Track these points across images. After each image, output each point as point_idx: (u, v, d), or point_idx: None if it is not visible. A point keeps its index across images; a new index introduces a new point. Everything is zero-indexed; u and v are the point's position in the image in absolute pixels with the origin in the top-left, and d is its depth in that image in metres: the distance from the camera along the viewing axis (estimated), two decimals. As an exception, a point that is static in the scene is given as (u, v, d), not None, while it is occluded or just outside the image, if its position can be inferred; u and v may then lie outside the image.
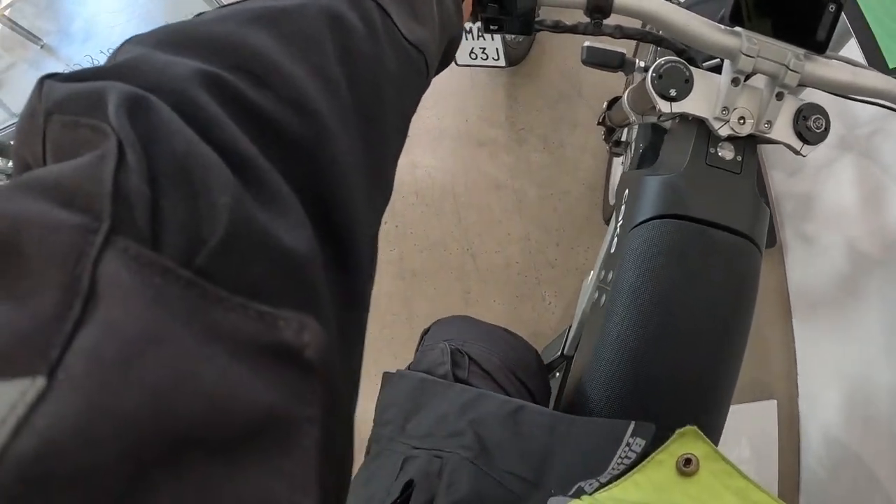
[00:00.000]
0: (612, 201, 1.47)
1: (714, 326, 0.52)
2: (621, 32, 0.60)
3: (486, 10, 0.55)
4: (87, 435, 0.11)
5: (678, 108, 0.55)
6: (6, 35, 2.35)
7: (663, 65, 0.55)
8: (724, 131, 0.55)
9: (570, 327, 0.92)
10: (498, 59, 1.53)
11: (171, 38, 0.20)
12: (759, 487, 0.36)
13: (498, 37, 1.49)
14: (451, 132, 1.75)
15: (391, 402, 0.62)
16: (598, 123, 1.08)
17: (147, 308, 0.13)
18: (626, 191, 0.62)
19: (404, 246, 1.68)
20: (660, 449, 0.37)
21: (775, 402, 1.24)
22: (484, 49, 1.51)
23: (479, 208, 1.67)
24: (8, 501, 0.10)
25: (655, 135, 0.96)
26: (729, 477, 0.36)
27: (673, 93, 0.55)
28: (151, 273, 0.14)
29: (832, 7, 0.52)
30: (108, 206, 0.14)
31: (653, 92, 0.55)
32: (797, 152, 0.56)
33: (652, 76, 0.55)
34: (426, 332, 0.76)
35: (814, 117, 0.55)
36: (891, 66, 0.72)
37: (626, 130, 1.12)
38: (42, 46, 2.36)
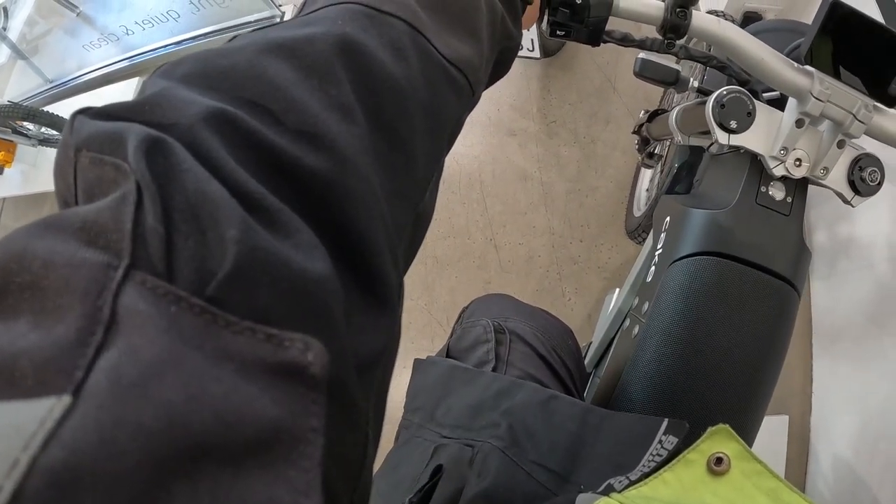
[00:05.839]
0: (636, 213, 1.45)
1: (747, 369, 0.52)
2: (686, 53, 0.58)
3: (556, 14, 0.54)
4: (109, 446, 0.12)
5: (736, 140, 0.54)
6: (42, 2, 2.32)
7: (727, 95, 0.53)
8: (778, 171, 0.54)
9: (591, 344, 0.92)
10: (533, 49, 1.50)
11: (194, 71, 0.22)
12: (791, 488, 0.35)
13: (534, 27, 1.46)
14: (481, 120, 1.74)
15: (421, 388, 0.62)
16: (633, 132, 1.06)
17: (162, 333, 0.15)
18: (668, 218, 0.61)
19: (428, 232, 1.69)
20: (691, 447, 0.36)
21: (787, 417, 1.24)
22: (520, 39, 1.49)
23: (505, 199, 1.67)
24: None
25: (694, 156, 0.95)
26: (760, 477, 0.35)
27: (733, 125, 0.53)
28: (166, 302, 0.15)
29: None
30: (127, 244, 0.16)
31: (712, 121, 0.54)
32: (847, 202, 0.55)
33: (713, 104, 0.54)
34: (465, 309, 0.77)
35: (870, 169, 0.54)
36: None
37: (660, 144, 1.11)
38: (78, 14, 2.33)
